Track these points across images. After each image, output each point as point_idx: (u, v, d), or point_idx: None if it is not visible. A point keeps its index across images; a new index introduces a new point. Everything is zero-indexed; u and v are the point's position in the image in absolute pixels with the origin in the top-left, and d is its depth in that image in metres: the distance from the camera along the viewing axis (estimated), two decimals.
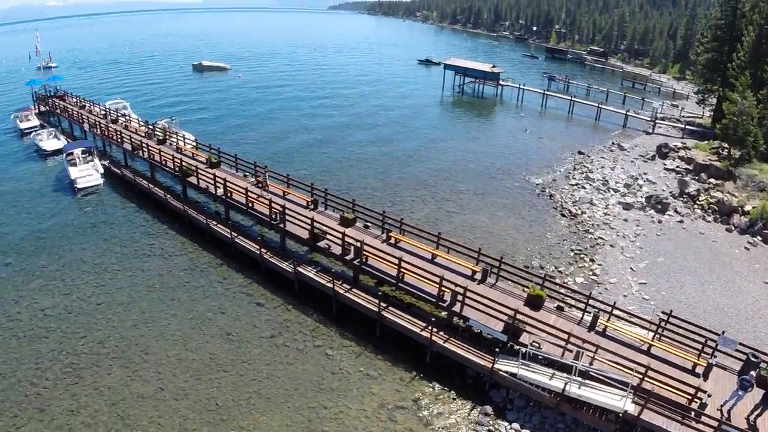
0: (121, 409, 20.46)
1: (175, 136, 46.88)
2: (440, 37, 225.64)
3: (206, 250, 32.55)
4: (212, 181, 35.13)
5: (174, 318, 25.98)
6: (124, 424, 19.75)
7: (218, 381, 21.95)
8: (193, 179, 37.36)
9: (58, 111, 64.34)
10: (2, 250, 33.07)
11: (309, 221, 28.72)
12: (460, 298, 22.48)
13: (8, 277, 30.02)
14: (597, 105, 71.12)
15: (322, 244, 28.43)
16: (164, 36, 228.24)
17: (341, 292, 25.27)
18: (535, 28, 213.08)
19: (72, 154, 44.76)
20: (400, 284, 24.81)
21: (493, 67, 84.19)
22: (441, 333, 22.19)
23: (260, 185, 35.86)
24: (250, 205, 32.58)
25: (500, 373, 20.01)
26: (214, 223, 32.85)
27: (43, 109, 68.28)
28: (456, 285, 22.87)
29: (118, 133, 48.21)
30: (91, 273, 30.21)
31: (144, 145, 43.45)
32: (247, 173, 38.44)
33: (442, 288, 23.06)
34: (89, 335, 24.79)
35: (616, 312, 22.27)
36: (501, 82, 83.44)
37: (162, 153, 40.75)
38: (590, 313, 22.61)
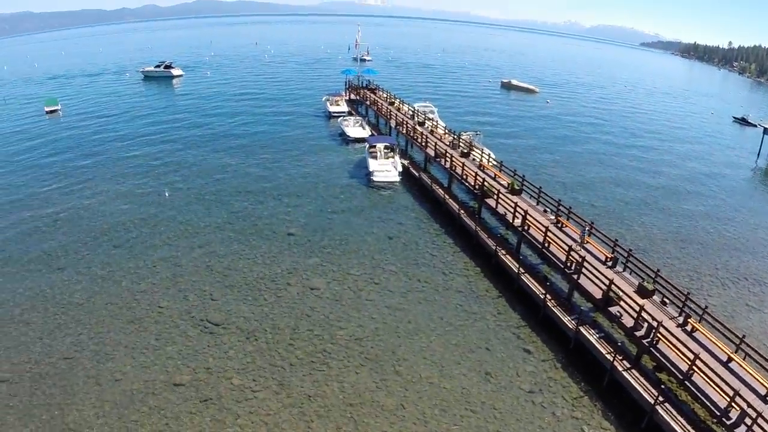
0: (357, 412, 22.97)
1: (479, 151, 50.54)
2: (756, 93, 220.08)
3: (487, 277, 34.54)
4: (511, 209, 37.05)
5: (438, 338, 28.16)
6: (355, 429, 22.11)
7: (462, 420, 23.06)
8: (491, 201, 40.01)
9: (368, 102, 75.67)
10: (289, 220, 40.59)
11: (607, 281, 28.20)
12: (748, 421, 20.72)
13: (287, 248, 36.45)
14: None
15: (614, 309, 27.69)
16: (476, 48, 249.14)
17: (619, 369, 24.86)
18: None
19: (374, 147, 52.32)
20: (686, 381, 23.20)
21: None
22: None
23: (559, 224, 36.35)
24: (546, 245, 33.37)
25: None
26: (503, 252, 34.75)
27: (353, 97, 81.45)
28: (748, 404, 20.98)
29: (424, 136, 54.62)
30: (368, 267, 34.74)
31: (447, 154, 48.22)
32: (547, 209, 39.33)
33: (733, 404, 21.44)
34: (349, 328, 28.50)
35: None
36: None
37: (465, 167, 44.80)
38: None
